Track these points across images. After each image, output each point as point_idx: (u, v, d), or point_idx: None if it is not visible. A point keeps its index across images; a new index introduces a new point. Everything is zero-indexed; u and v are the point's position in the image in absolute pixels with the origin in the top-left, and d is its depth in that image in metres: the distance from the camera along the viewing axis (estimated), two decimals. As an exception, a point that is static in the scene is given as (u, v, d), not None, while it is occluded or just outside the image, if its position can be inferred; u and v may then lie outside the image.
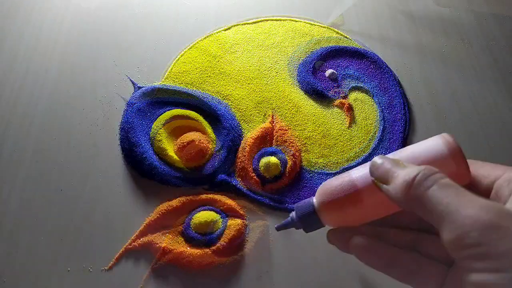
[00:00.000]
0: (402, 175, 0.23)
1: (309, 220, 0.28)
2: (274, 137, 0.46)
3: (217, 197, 0.42)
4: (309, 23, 0.57)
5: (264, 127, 0.47)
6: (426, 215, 0.22)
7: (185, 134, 0.45)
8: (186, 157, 0.43)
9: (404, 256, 0.25)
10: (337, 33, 0.56)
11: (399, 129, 0.48)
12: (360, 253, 0.26)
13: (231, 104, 0.49)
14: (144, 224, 0.40)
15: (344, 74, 0.52)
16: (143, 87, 0.49)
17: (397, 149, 0.46)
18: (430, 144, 0.26)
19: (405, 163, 0.24)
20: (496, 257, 0.18)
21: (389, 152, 0.46)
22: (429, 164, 0.23)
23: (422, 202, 0.22)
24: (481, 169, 0.25)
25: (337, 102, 0.50)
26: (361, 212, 0.26)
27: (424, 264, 0.25)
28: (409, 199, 0.22)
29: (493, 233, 0.19)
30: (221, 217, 0.41)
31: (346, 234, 0.27)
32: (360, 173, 0.27)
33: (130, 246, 0.39)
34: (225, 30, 0.56)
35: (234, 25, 0.56)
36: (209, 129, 0.46)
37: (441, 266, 0.25)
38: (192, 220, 0.40)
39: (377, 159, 0.25)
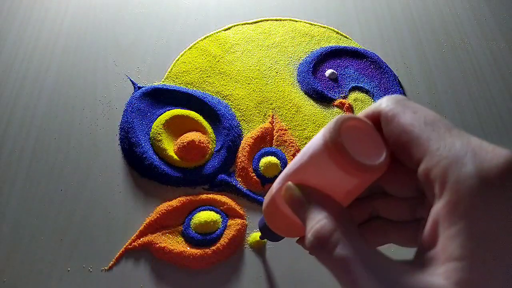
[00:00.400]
0: (306, 230, 0.20)
1: (268, 233, 0.27)
2: (274, 137, 0.46)
3: (217, 197, 0.42)
4: (309, 23, 0.57)
5: (264, 127, 0.47)
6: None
7: (185, 134, 0.45)
8: (186, 157, 0.43)
9: (372, 229, 0.24)
10: (337, 33, 0.56)
11: (399, 129, 0.48)
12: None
13: (231, 104, 0.49)
14: (144, 224, 0.40)
15: (344, 74, 0.52)
16: (143, 87, 0.49)
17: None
18: (315, 143, 0.20)
19: (308, 193, 0.21)
20: None
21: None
22: (315, 169, 0.20)
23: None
24: (403, 116, 0.20)
25: (337, 102, 0.50)
26: (294, 224, 0.24)
27: (389, 227, 0.24)
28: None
29: None
30: (221, 217, 0.41)
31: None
32: (276, 186, 0.23)
33: (130, 246, 0.39)
34: (225, 30, 0.56)
35: (234, 25, 0.56)
36: (209, 129, 0.46)
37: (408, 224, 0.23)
38: (192, 220, 0.40)
39: (285, 191, 0.22)
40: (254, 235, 0.41)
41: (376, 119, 0.21)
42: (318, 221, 0.20)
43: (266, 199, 0.24)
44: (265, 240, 0.40)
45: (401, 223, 0.24)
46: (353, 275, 0.18)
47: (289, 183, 0.22)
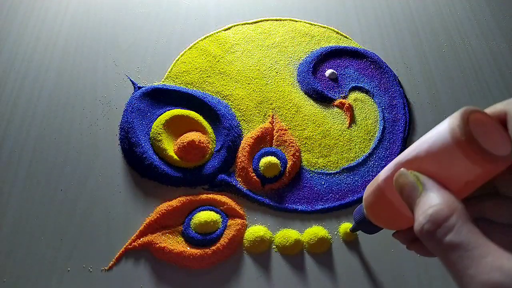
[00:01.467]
0: (417, 214, 0.20)
1: (365, 224, 0.27)
2: (274, 137, 0.46)
3: (217, 197, 0.42)
4: (309, 23, 0.57)
5: (264, 127, 0.47)
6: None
7: (185, 134, 0.45)
8: (186, 157, 0.43)
9: None
10: (337, 33, 0.56)
11: (399, 129, 0.48)
12: (420, 253, 0.24)
13: (231, 104, 0.49)
14: (144, 224, 0.40)
15: (344, 74, 0.52)
16: (143, 87, 0.49)
17: (397, 149, 0.47)
18: (436, 133, 0.21)
19: (423, 180, 0.21)
20: None
21: (389, 152, 0.46)
22: (436, 159, 0.20)
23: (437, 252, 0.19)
24: None
25: (337, 102, 0.50)
26: (399, 215, 0.23)
27: (494, 230, 0.23)
28: (439, 249, 0.20)
29: None
30: (221, 217, 0.41)
31: (408, 234, 0.24)
32: (384, 174, 0.23)
33: (130, 246, 0.39)
34: (225, 30, 0.56)
35: (234, 25, 0.56)
36: (209, 129, 0.46)
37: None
38: (192, 220, 0.40)
39: (398, 177, 0.22)
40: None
41: (502, 118, 0.21)
42: (432, 206, 0.19)
43: (370, 187, 0.24)
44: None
45: (507, 226, 0.23)
46: (464, 262, 0.17)
47: (403, 169, 0.22)
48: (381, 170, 0.46)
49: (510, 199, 0.23)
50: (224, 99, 0.49)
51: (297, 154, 0.45)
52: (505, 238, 0.23)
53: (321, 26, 0.57)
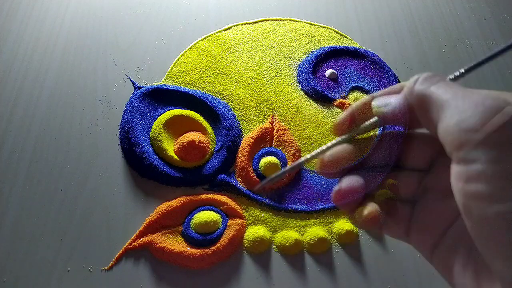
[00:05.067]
0: (409, 82, 0.22)
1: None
2: (274, 137, 0.46)
3: (217, 197, 0.42)
4: (309, 23, 0.57)
5: (264, 127, 0.47)
6: (428, 110, 0.20)
7: (185, 134, 0.45)
8: (186, 157, 0.43)
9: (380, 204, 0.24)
10: (337, 33, 0.57)
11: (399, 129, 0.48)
12: (339, 199, 0.25)
13: (231, 104, 0.49)
14: (144, 224, 0.40)
15: (344, 74, 0.52)
16: (143, 87, 0.49)
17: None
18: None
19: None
20: (496, 145, 0.16)
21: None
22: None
23: (426, 97, 0.20)
24: None
25: (337, 102, 0.50)
26: None
27: (391, 206, 0.24)
28: (412, 97, 0.22)
29: (497, 119, 0.17)
30: (221, 217, 0.41)
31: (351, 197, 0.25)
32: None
33: (130, 246, 0.39)
34: (225, 30, 0.56)
35: (234, 25, 0.56)
36: (209, 129, 0.46)
37: (407, 204, 0.24)
38: (192, 220, 0.40)
39: (373, 101, 0.26)
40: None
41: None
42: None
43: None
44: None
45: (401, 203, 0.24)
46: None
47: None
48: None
49: (408, 174, 0.25)
50: (224, 99, 0.49)
51: (297, 154, 0.45)
52: (402, 212, 0.24)
53: (321, 26, 0.57)
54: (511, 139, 0.16)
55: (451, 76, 0.25)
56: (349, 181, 0.25)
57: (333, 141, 0.27)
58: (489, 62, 0.25)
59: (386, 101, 0.24)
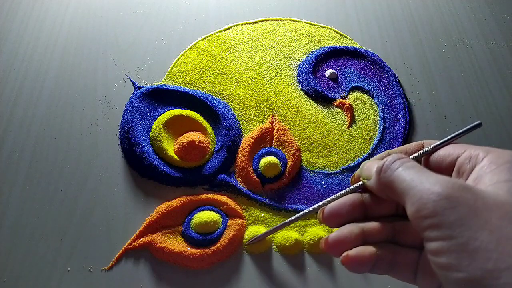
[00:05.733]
0: (377, 166, 0.26)
1: None
2: (274, 137, 0.46)
3: (217, 197, 0.42)
4: (309, 23, 0.57)
5: (264, 127, 0.47)
6: (394, 195, 0.24)
7: (185, 134, 0.45)
8: (186, 157, 0.43)
9: (384, 252, 0.27)
10: (337, 33, 0.57)
11: (399, 129, 0.48)
12: (350, 267, 0.27)
13: (231, 104, 0.49)
14: (144, 224, 0.40)
15: (344, 74, 0.52)
16: (143, 87, 0.49)
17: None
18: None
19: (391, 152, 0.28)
20: (448, 225, 0.20)
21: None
22: None
23: (390, 183, 0.24)
24: (442, 149, 0.27)
25: (337, 102, 0.50)
26: None
27: (398, 254, 0.27)
28: (380, 183, 0.25)
29: (445, 203, 0.21)
30: (221, 217, 0.41)
31: (341, 247, 0.28)
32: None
33: (130, 246, 0.39)
34: (225, 30, 0.56)
35: (234, 25, 0.56)
36: (209, 129, 0.46)
37: (414, 252, 0.26)
38: (192, 220, 0.40)
39: (364, 163, 0.29)
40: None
41: (420, 147, 0.29)
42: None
43: None
44: None
45: (411, 247, 0.27)
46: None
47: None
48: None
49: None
50: (224, 99, 0.49)
51: (297, 154, 0.45)
52: (408, 258, 0.26)
53: (321, 26, 0.57)
54: (459, 220, 0.20)
55: (416, 154, 0.28)
56: (339, 233, 0.27)
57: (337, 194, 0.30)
58: (444, 145, 0.28)
59: (369, 173, 0.28)
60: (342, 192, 0.30)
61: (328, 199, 0.30)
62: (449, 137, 0.28)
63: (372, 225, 0.28)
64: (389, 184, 0.25)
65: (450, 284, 0.20)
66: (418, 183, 0.22)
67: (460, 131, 0.29)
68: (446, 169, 0.26)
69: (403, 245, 0.27)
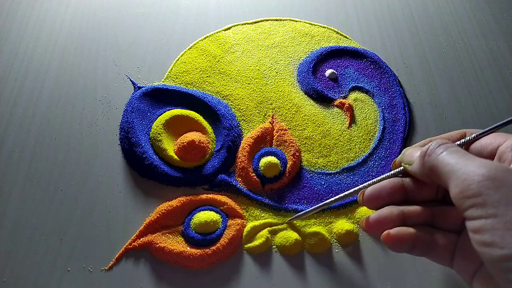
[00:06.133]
0: (421, 150, 0.27)
1: None
2: (274, 137, 0.46)
3: (217, 197, 0.42)
4: (309, 23, 0.57)
5: (264, 127, 0.47)
6: (438, 178, 0.25)
7: (185, 134, 0.45)
8: (186, 157, 0.43)
9: (422, 234, 0.28)
10: (337, 33, 0.57)
11: (399, 129, 0.48)
12: (390, 245, 0.29)
13: (231, 104, 0.49)
14: (144, 224, 0.40)
15: (344, 74, 0.52)
16: (143, 87, 0.49)
17: (397, 149, 0.47)
18: None
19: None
20: (492, 204, 0.21)
21: (389, 152, 0.46)
22: None
23: (434, 167, 0.26)
24: (483, 139, 0.28)
25: (337, 102, 0.50)
26: None
27: (436, 237, 0.28)
28: (424, 167, 0.27)
29: (490, 184, 0.22)
30: (221, 217, 0.41)
31: (381, 227, 0.29)
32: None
33: (130, 246, 0.39)
34: (225, 30, 0.56)
35: (234, 25, 0.56)
36: (209, 129, 0.46)
37: (452, 235, 0.28)
38: (192, 220, 0.40)
39: (405, 150, 0.30)
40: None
41: (462, 135, 0.31)
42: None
43: None
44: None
45: (448, 231, 0.29)
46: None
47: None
48: (381, 170, 0.46)
49: (453, 208, 0.28)
50: (224, 99, 0.49)
51: (297, 154, 0.45)
52: (446, 241, 0.28)
53: (321, 26, 0.57)
54: (503, 199, 0.21)
55: (459, 142, 0.29)
56: (380, 213, 0.29)
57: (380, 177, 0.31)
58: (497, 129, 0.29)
59: (411, 158, 0.29)
60: (383, 176, 0.31)
61: (369, 182, 0.31)
62: (492, 126, 0.29)
63: (412, 208, 0.29)
64: (433, 168, 0.26)
65: (491, 262, 0.21)
66: (463, 166, 0.23)
67: (504, 121, 0.29)
68: (486, 157, 0.27)
69: (441, 229, 0.28)
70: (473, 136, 0.29)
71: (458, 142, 0.29)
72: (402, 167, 0.30)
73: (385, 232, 0.28)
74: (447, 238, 0.28)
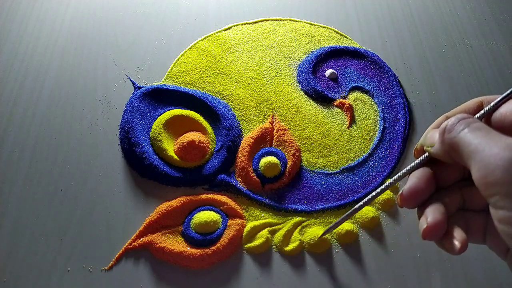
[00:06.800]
0: (441, 127, 0.25)
1: None
2: (274, 137, 0.46)
3: (217, 197, 0.42)
4: (309, 23, 0.57)
5: (264, 127, 0.47)
6: (459, 158, 0.23)
7: (185, 134, 0.45)
8: (186, 157, 0.43)
9: (456, 222, 0.27)
10: (337, 33, 0.57)
11: (399, 129, 0.48)
12: (430, 236, 0.27)
13: (231, 104, 0.49)
14: (144, 224, 0.40)
15: (344, 74, 0.52)
16: (143, 87, 0.49)
17: (397, 149, 0.47)
18: None
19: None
20: None
21: (389, 152, 0.46)
22: None
23: (455, 145, 0.23)
24: (503, 107, 0.26)
25: (337, 102, 0.50)
26: None
27: (469, 220, 0.27)
28: (444, 145, 0.24)
29: None
30: (221, 217, 0.41)
31: (415, 197, 0.28)
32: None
33: (130, 246, 0.39)
34: (225, 30, 0.56)
35: (234, 25, 0.56)
36: (209, 129, 0.46)
37: (482, 215, 0.26)
38: (192, 220, 0.40)
39: (426, 131, 0.29)
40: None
41: (480, 105, 0.29)
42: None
43: None
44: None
45: (479, 211, 0.27)
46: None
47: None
48: (381, 170, 0.46)
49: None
50: (224, 99, 0.49)
51: (297, 154, 0.45)
52: (478, 222, 0.27)
53: (321, 26, 0.57)
54: None
55: (478, 115, 0.27)
56: (433, 215, 0.27)
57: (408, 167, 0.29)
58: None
59: (432, 140, 0.27)
60: (408, 168, 0.29)
61: (397, 176, 0.30)
62: (508, 91, 0.26)
63: (447, 199, 0.28)
64: (454, 146, 0.24)
65: None
66: (486, 147, 0.21)
67: None
68: (509, 127, 0.25)
69: (472, 210, 0.27)
70: (491, 105, 0.26)
71: (478, 115, 0.27)
72: (426, 154, 0.29)
73: (424, 227, 0.26)
74: (479, 220, 0.27)
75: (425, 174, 0.28)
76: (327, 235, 0.40)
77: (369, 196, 0.32)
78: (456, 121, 0.24)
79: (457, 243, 0.25)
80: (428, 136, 0.28)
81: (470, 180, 0.27)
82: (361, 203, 0.32)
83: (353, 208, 0.33)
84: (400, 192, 0.28)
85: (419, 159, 0.29)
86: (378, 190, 0.31)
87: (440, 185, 0.28)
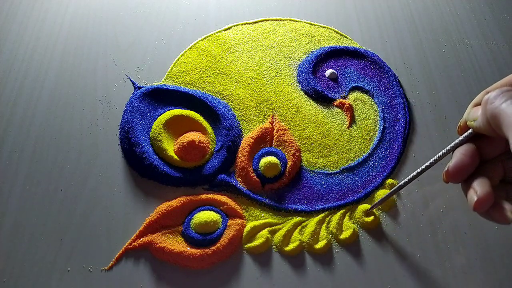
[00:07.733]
0: (482, 101, 0.26)
1: None
2: (274, 137, 0.46)
3: (217, 197, 0.42)
4: (309, 23, 0.57)
5: (264, 127, 0.47)
6: (500, 129, 0.24)
7: (185, 134, 0.45)
8: (186, 157, 0.43)
9: (500, 194, 0.27)
10: (337, 33, 0.57)
11: (399, 129, 0.48)
12: (480, 208, 0.28)
13: (231, 104, 0.49)
14: (144, 224, 0.40)
15: (344, 74, 0.52)
16: (143, 87, 0.49)
17: (397, 149, 0.47)
18: None
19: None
20: None
21: (389, 152, 0.46)
22: None
23: (497, 115, 0.24)
24: None
25: (337, 102, 0.50)
26: None
27: (509, 191, 0.28)
28: (486, 116, 0.25)
29: None
30: (221, 217, 0.41)
31: (461, 172, 0.29)
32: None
33: (130, 246, 0.39)
34: (225, 30, 0.56)
35: (234, 25, 0.56)
36: (209, 129, 0.46)
37: None
38: (192, 220, 0.40)
39: (469, 107, 0.30)
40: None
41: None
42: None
43: None
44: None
45: None
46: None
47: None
48: (381, 170, 0.46)
49: None
50: (224, 99, 0.49)
51: (297, 154, 0.45)
52: None
53: (321, 26, 0.57)
54: None
55: None
56: (482, 188, 0.28)
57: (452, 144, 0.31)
58: None
59: (475, 115, 0.28)
60: (452, 144, 0.30)
61: (441, 153, 0.31)
62: None
63: (492, 173, 0.29)
64: (495, 117, 0.24)
65: None
66: None
67: None
68: None
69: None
70: None
71: None
72: (469, 130, 0.30)
73: (474, 199, 0.27)
74: None
75: (469, 149, 0.29)
76: (328, 236, 0.40)
77: (418, 170, 0.33)
78: (499, 93, 0.25)
79: (510, 214, 0.26)
80: (472, 111, 0.29)
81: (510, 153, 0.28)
82: (410, 176, 0.34)
83: (403, 181, 0.35)
84: (446, 168, 0.29)
85: (463, 135, 0.30)
86: (428, 163, 0.32)
87: (483, 159, 0.29)
